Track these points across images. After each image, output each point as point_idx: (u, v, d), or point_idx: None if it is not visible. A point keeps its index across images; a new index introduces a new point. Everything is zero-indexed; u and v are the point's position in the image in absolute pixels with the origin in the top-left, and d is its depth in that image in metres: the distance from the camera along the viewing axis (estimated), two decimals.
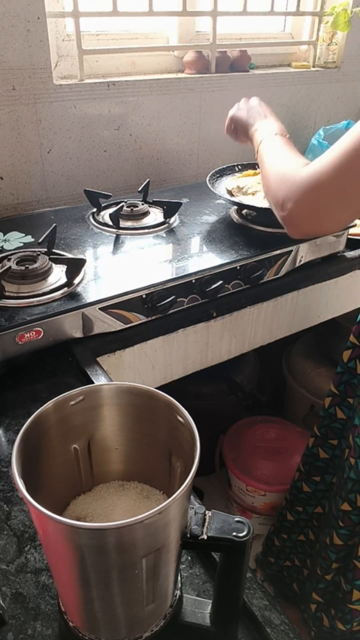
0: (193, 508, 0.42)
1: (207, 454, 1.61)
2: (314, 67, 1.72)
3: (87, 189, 1.22)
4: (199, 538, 0.40)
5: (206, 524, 0.41)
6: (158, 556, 0.39)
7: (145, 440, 0.50)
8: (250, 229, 1.16)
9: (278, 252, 1.08)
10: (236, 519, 0.41)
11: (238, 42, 1.61)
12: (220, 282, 0.99)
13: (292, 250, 1.10)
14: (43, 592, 0.53)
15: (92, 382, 0.81)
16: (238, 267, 1.03)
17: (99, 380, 0.81)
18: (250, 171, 1.30)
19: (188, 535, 0.41)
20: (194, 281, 0.98)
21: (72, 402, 0.46)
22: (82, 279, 0.92)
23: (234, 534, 0.40)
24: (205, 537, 0.40)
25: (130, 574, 0.39)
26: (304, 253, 1.12)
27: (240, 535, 0.40)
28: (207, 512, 0.42)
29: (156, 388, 1.03)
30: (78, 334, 0.88)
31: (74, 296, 0.88)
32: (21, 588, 0.53)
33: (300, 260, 1.13)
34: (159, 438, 0.48)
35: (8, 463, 0.67)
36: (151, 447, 0.49)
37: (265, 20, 1.67)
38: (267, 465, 1.43)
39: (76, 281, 0.91)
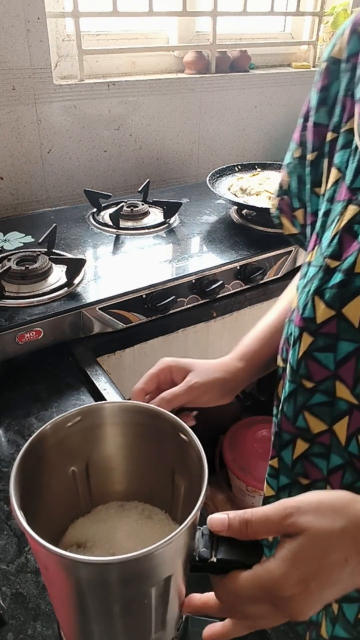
0: (200, 529, 0.39)
1: (207, 454, 1.61)
2: (314, 67, 1.72)
3: (87, 189, 1.22)
4: (209, 561, 0.37)
5: (215, 545, 0.38)
6: (167, 584, 0.38)
7: (147, 459, 0.48)
8: (250, 229, 1.16)
9: (278, 252, 1.08)
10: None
11: (238, 42, 1.61)
12: (220, 282, 0.99)
13: (292, 250, 1.10)
14: (43, 592, 0.53)
15: (92, 382, 0.81)
16: (238, 267, 1.03)
17: (99, 380, 0.81)
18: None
19: (197, 559, 0.38)
20: (194, 281, 0.98)
21: (69, 424, 0.44)
22: (82, 279, 0.92)
23: (244, 555, 0.37)
24: (215, 560, 0.37)
25: (138, 605, 0.37)
26: (305, 253, 1.12)
27: (250, 558, 0.37)
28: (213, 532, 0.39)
29: None
30: (78, 334, 0.88)
31: (74, 296, 0.88)
32: (21, 588, 0.53)
33: (300, 260, 1.13)
34: (162, 457, 0.46)
35: (8, 463, 0.67)
36: (153, 465, 0.47)
37: (265, 20, 1.67)
38: (266, 465, 1.43)
39: (76, 281, 0.91)
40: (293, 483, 0.55)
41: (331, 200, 0.49)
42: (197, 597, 0.42)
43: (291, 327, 0.51)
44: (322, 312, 0.45)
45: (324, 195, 0.50)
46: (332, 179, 0.49)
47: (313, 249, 0.50)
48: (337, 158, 0.48)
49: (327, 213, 0.49)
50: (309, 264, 0.50)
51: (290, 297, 0.70)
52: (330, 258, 0.46)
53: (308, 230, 0.56)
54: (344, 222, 0.46)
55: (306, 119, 0.54)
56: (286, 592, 0.35)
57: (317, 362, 0.47)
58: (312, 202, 0.54)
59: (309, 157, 0.53)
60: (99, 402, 0.47)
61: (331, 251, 0.46)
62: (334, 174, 0.49)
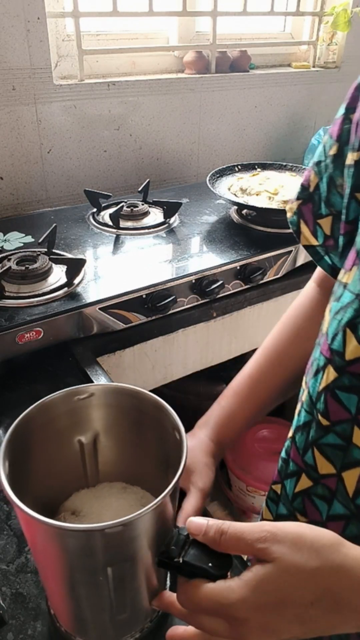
0: (178, 528, 0.40)
1: None
2: (314, 67, 1.72)
3: (87, 189, 1.22)
4: (174, 560, 0.38)
5: (186, 547, 0.38)
6: (127, 568, 0.39)
7: (148, 450, 0.49)
8: (250, 229, 1.16)
9: (278, 252, 1.08)
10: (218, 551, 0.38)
11: (238, 42, 1.61)
12: (220, 282, 0.99)
13: (292, 250, 1.10)
14: (43, 592, 0.53)
15: (93, 382, 0.81)
16: (238, 267, 1.03)
17: (99, 380, 0.81)
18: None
19: (165, 555, 0.39)
20: (194, 281, 0.98)
21: (81, 397, 0.47)
22: (82, 279, 0.92)
23: (210, 564, 0.37)
24: (181, 561, 0.38)
25: (94, 580, 0.39)
26: (304, 253, 1.12)
27: (218, 568, 0.37)
28: (190, 536, 0.39)
29: (156, 388, 1.00)
30: (78, 334, 0.88)
31: (74, 296, 0.88)
32: (21, 588, 0.53)
33: (301, 261, 1.13)
34: (160, 452, 0.47)
35: None
36: (153, 458, 0.49)
37: (265, 20, 1.67)
38: (267, 465, 1.43)
39: (76, 281, 0.91)
40: (290, 516, 0.53)
41: None
42: (167, 595, 0.42)
43: (317, 353, 0.46)
44: (353, 348, 0.40)
45: None
46: None
47: (351, 268, 0.43)
48: None
49: None
50: (345, 286, 0.43)
51: (275, 344, 0.65)
52: None
53: (341, 240, 0.48)
54: None
55: (351, 110, 0.45)
56: (241, 614, 0.34)
57: (337, 401, 0.42)
58: (351, 209, 0.45)
59: (353, 156, 0.44)
60: (115, 384, 0.48)
61: None
62: None
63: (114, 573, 0.38)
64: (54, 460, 0.48)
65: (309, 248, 0.54)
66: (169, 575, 0.49)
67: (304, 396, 0.49)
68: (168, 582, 0.48)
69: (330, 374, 0.43)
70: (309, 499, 0.49)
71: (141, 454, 0.50)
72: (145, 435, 0.49)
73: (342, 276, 0.44)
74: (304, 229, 0.53)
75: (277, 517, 0.56)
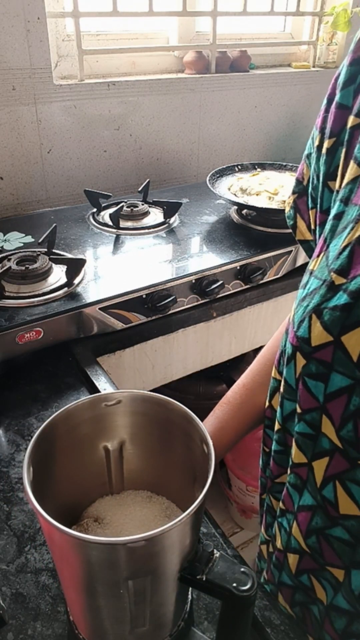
0: (203, 543, 0.39)
1: None
2: (314, 67, 1.72)
3: (87, 189, 1.23)
4: (197, 577, 0.37)
5: (209, 564, 0.37)
6: (149, 582, 0.38)
7: (175, 460, 0.49)
8: (250, 229, 1.16)
9: (278, 252, 1.08)
10: (242, 569, 0.37)
11: (238, 42, 1.61)
12: (220, 282, 0.99)
13: (292, 250, 1.10)
14: (43, 592, 0.53)
15: (92, 382, 0.81)
16: (238, 267, 1.03)
17: (99, 380, 0.81)
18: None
19: (187, 571, 0.38)
20: (194, 281, 0.98)
21: (108, 403, 0.46)
22: (82, 279, 0.92)
23: (234, 584, 0.36)
24: (204, 579, 0.37)
25: (114, 592, 0.39)
26: (304, 253, 1.12)
27: (242, 588, 0.36)
28: (215, 552, 0.38)
29: (156, 388, 1.01)
30: (78, 334, 0.88)
31: (74, 296, 0.88)
32: (21, 588, 0.53)
33: (300, 261, 1.13)
34: (187, 463, 0.47)
35: (8, 463, 0.67)
36: (179, 469, 0.48)
37: (265, 20, 1.67)
38: None
39: (76, 281, 0.91)
40: (271, 503, 0.52)
41: (346, 201, 0.40)
42: None
43: (286, 342, 0.46)
44: (318, 334, 0.39)
45: (337, 192, 0.42)
46: (349, 176, 0.40)
47: (318, 255, 0.42)
48: (359, 150, 0.40)
49: (338, 216, 0.41)
50: (311, 273, 0.42)
51: (271, 353, 0.65)
52: (337, 273, 0.38)
53: (318, 232, 0.47)
54: (358, 233, 0.38)
55: (330, 100, 0.45)
56: None
57: (306, 389, 0.42)
58: (325, 198, 0.45)
59: (326, 144, 0.44)
60: (143, 392, 0.47)
61: (339, 265, 0.38)
62: (353, 169, 0.40)
63: (135, 586, 0.38)
64: (78, 466, 0.47)
65: (303, 243, 0.53)
66: (190, 589, 0.48)
67: (281, 386, 0.48)
68: (190, 597, 0.48)
69: (300, 362, 0.42)
70: (285, 487, 0.49)
71: (167, 464, 0.49)
72: (173, 445, 0.48)
73: (310, 264, 0.44)
74: (300, 223, 0.52)
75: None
